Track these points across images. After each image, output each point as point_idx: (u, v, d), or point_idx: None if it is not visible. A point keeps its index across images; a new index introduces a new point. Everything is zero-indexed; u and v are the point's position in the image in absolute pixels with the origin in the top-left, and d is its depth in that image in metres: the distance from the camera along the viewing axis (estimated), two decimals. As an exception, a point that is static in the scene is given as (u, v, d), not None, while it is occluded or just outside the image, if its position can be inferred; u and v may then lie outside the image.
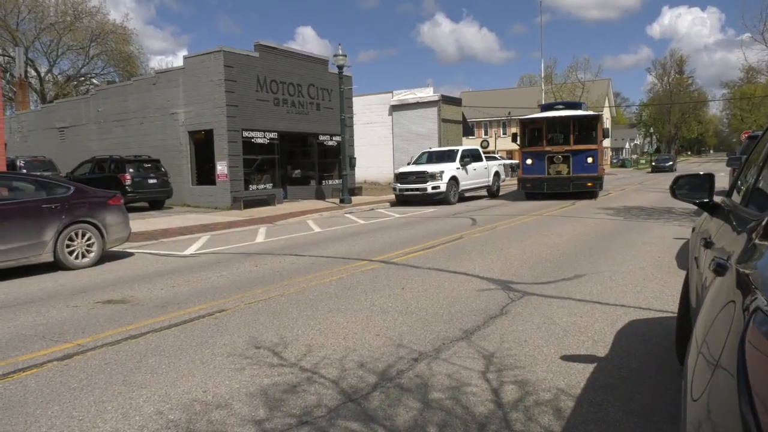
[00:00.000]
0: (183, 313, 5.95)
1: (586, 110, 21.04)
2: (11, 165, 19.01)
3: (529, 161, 20.18)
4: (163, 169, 19.73)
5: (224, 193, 19.60)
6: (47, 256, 8.61)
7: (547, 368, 4.10)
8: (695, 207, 4.25)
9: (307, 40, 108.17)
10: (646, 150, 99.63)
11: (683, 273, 4.22)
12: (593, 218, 13.89)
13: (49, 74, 46.38)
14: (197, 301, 6.51)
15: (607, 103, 67.92)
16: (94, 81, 44.77)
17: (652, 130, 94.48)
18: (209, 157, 20.06)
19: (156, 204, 19.93)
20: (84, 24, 43.89)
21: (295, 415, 3.44)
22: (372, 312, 5.76)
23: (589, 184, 19.31)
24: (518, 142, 20.73)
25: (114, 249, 10.10)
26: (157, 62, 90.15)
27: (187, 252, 10.50)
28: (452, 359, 4.31)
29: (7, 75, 37.90)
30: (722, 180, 24.00)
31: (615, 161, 71.90)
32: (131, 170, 18.66)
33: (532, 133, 20.77)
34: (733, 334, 1.31)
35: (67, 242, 8.81)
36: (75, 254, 8.93)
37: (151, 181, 19.16)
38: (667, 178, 34.36)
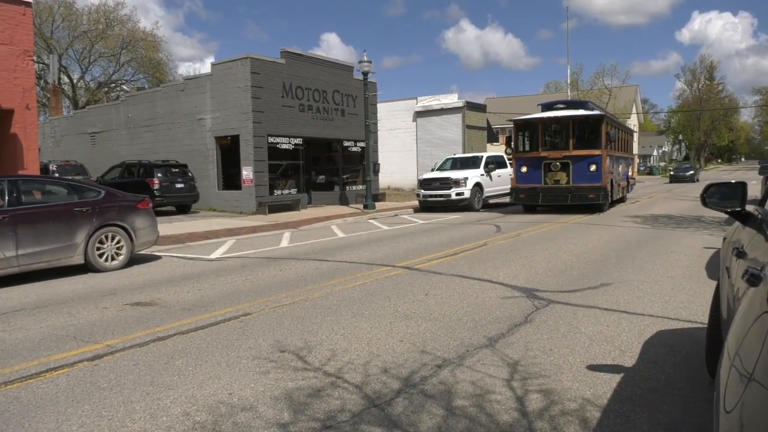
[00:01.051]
0: (209, 316, 6.03)
1: (592, 110, 18.43)
2: (44, 169, 19.52)
3: (523, 169, 18.06)
4: (190, 174, 20.05)
5: (249, 197, 19.82)
6: (78, 259, 8.81)
7: (573, 377, 4.05)
8: (726, 216, 4.17)
9: (332, 47, 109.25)
10: (674, 157, 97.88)
11: (713, 283, 4.14)
12: (620, 226, 13.68)
13: (81, 81, 47.56)
14: (223, 304, 6.60)
15: (634, 110, 66.98)
16: (125, 87, 45.77)
17: (681, 137, 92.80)
18: (235, 162, 20.32)
19: (183, 208, 20.25)
20: (115, 32, 44.95)
21: (319, 420, 3.46)
22: (395, 318, 5.77)
23: (591, 195, 16.82)
24: (512, 147, 18.88)
25: (142, 252, 10.29)
26: (185, 69, 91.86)
27: (213, 256, 10.64)
28: (476, 366, 4.29)
29: (42, 82, 38.94)
30: (754, 189, 23.48)
31: (642, 168, 70.81)
32: (159, 175, 19.01)
33: (527, 136, 18.71)
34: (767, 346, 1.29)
35: (97, 245, 9.00)
36: (105, 257, 9.12)
37: (179, 185, 19.48)
38: (697, 187, 33.71)
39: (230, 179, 21.07)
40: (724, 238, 3.94)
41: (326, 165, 25.19)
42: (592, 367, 4.24)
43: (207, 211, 20.80)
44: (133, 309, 6.49)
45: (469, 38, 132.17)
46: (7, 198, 8.22)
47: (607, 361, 4.37)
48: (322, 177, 24.89)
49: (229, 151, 20.82)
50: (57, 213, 8.65)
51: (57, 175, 19.49)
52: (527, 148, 18.42)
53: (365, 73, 20.72)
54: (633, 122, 68.39)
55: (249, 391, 3.93)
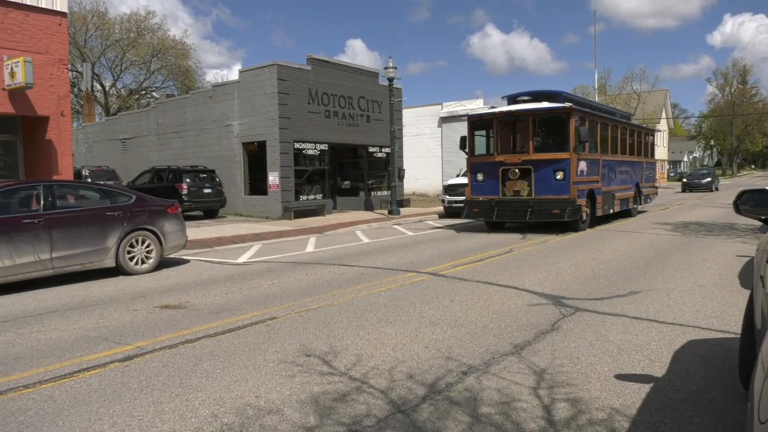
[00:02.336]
0: (236, 320, 6.11)
1: (563, 102, 14.36)
2: (77, 174, 20.01)
3: (479, 176, 14.77)
4: (217, 179, 20.36)
5: (275, 203, 20.02)
6: (110, 262, 9.00)
7: (601, 387, 4.00)
8: (760, 224, 4.09)
9: (357, 53, 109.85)
10: (706, 163, 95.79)
11: (746, 292, 4.05)
12: (649, 233, 13.45)
13: (113, 88, 48.65)
14: (250, 308, 6.67)
15: (664, 115, 65.80)
16: (155, 94, 46.66)
17: (712, 142, 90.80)
18: (262, 167, 20.55)
19: (210, 213, 20.55)
20: (146, 40, 45.92)
21: (345, 424, 3.48)
22: (421, 324, 5.76)
23: (555, 211, 13.31)
24: (466, 150, 15.23)
25: (171, 256, 10.47)
26: (213, 76, 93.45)
27: (240, 260, 10.77)
28: (502, 374, 4.27)
29: (76, 89, 39.97)
30: (789, 195, 22.95)
31: (672, 174, 69.45)
32: (188, 180, 19.34)
33: (482, 136, 15.33)
34: None
35: (128, 248, 9.19)
36: (135, 260, 9.31)
37: (207, 190, 19.79)
38: (729, 194, 32.91)
39: (257, 184, 21.31)
40: (758, 246, 3.85)
41: (351, 170, 25.30)
42: (621, 377, 4.18)
43: (234, 215, 21.07)
44: (162, 311, 6.61)
45: (494, 43, 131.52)
46: (42, 202, 8.46)
47: (636, 371, 4.30)
48: (347, 182, 25.01)
49: (255, 156, 21.07)
50: (90, 217, 8.86)
51: (90, 180, 19.97)
52: (482, 150, 15.13)
53: (390, 79, 20.80)
54: (662, 127, 67.21)
55: (275, 395, 3.97)
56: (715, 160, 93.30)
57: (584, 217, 14.16)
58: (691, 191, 36.57)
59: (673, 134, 79.55)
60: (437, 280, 8.16)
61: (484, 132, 15.23)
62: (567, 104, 13.87)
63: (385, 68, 20.89)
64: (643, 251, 10.52)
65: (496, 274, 8.51)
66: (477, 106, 34.36)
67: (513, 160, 14.19)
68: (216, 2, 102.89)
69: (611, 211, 16.13)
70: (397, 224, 18.12)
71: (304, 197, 21.06)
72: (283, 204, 19.87)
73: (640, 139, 19.83)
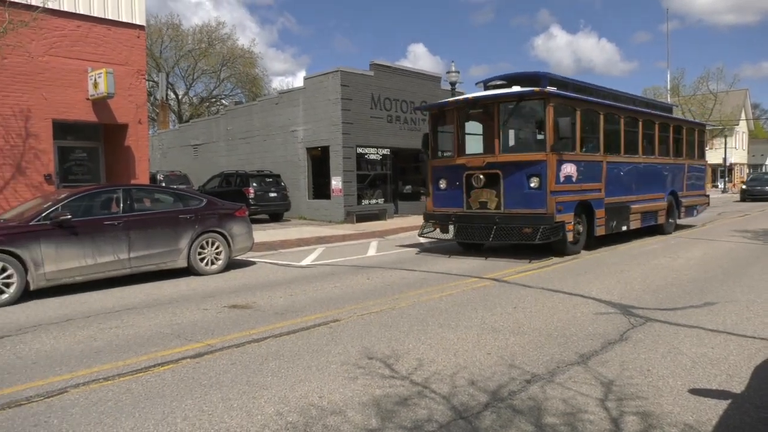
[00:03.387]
0: (300, 321, 6.25)
1: (548, 87, 11.05)
2: (153, 178, 21.06)
3: (441, 183, 11.88)
4: (282, 184, 20.91)
5: (338, 207, 20.33)
6: (182, 262, 9.41)
7: (674, 401, 3.83)
8: None
9: (419, 57, 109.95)
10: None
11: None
12: (726, 241, 12.74)
13: (185, 96, 50.94)
14: (313, 310, 6.81)
15: (743, 116, 62.22)
16: (224, 102, 48.48)
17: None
18: (325, 172, 20.94)
19: (275, 216, 21.12)
20: (216, 50, 47.82)
21: (407, 428, 3.50)
22: (483, 330, 5.70)
23: (526, 230, 10.29)
24: (427, 150, 12.58)
25: (238, 258, 10.82)
26: (278, 83, 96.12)
27: (304, 263, 11.00)
28: (567, 384, 4.16)
29: (151, 98, 42.09)
30: None
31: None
32: (254, 184, 19.98)
33: (447, 132, 12.28)
34: None
35: (198, 250, 9.58)
36: (205, 261, 9.69)
37: (272, 194, 20.37)
38: (818, 199, 30.62)
39: (320, 189, 21.73)
40: None
41: (413, 175, 25.33)
42: (695, 391, 3.98)
43: (297, 219, 21.56)
44: (230, 311, 6.85)
45: (559, 44, 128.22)
46: (121, 205, 8.95)
47: (712, 386, 4.09)
48: (408, 187, 25.05)
49: (319, 161, 21.50)
50: (164, 219, 9.30)
51: (164, 184, 20.96)
52: (448, 150, 12.22)
53: (453, 83, 20.73)
54: (742, 129, 63.55)
55: (338, 396, 4.04)
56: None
57: (573, 238, 10.88)
58: (753, 200, 30.59)
59: (753, 136, 75.01)
60: (500, 286, 8.05)
61: (445, 127, 12.27)
62: (537, 89, 10.53)
63: (448, 72, 20.87)
64: (719, 260, 9.98)
65: (561, 281, 8.30)
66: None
67: (476, 164, 11.09)
68: (282, 11, 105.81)
69: (624, 227, 12.49)
70: (459, 229, 17.96)
71: (366, 201, 21.28)
72: (346, 208, 20.15)
73: (680, 136, 15.59)
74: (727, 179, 56.37)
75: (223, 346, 5.35)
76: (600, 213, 11.63)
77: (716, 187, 58.94)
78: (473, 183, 11.10)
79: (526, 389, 4.08)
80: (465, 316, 6.29)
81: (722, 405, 3.75)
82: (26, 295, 7.73)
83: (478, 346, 5.17)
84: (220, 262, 9.87)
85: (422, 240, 14.72)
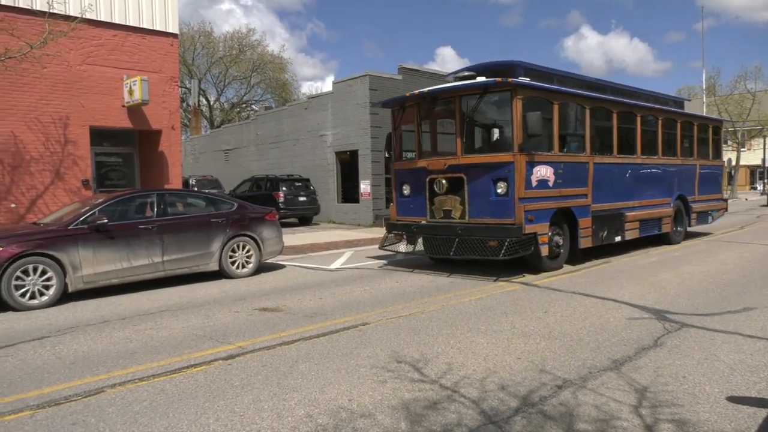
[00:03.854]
0: (329, 324, 6.29)
1: (524, 78, 9.54)
2: (185, 183, 21.47)
3: (405, 189, 10.57)
4: (312, 188, 21.08)
5: (367, 210, 20.40)
6: (214, 265, 9.57)
7: (710, 409, 3.73)
8: None
9: (447, 60, 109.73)
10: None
11: None
12: (765, 245, 12.36)
13: (216, 102, 51.83)
14: (342, 313, 6.85)
15: (784, 116, 60.20)
16: (254, 107, 49.20)
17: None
18: (354, 176, 21.05)
19: (305, 220, 21.31)
20: (247, 56, 48.58)
21: (436, 432, 3.49)
22: (513, 334, 5.65)
23: (492, 243, 8.89)
24: (389, 151, 11.36)
25: (268, 261, 10.95)
26: (307, 87, 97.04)
27: (333, 266, 11.07)
28: (600, 389, 4.09)
29: (184, 104, 42.95)
30: None
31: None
32: (284, 188, 20.20)
33: (407, 130, 10.92)
34: None
35: (230, 253, 9.73)
36: (236, 264, 9.83)
37: (302, 198, 20.55)
38: None
39: (349, 192, 21.84)
40: None
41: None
42: (734, 399, 3.87)
43: (327, 222, 21.70)
44: (261, 314, 6.94)
45: (590, 45, 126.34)
46: (155, 209, 9.15)
47: (751, 393, 3.97)
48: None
49: (348, 165, 21.62)
50: (197, 223, 9.47)
51: (196, 188, 21.34)
52: (411, 152, 10.79)
53: (482, 86, 20.60)
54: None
55: (367, 399, 4.05)
56: None
57: (549, 252, 9.34)
58: None
59: (795, 137, 72.47)
60: (530, 290, 7.96)
61: (407, 125, 10.83)
62: (503, 79, 8.93)
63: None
64: (758, 264, 9.69)
65: (593, 285, 8.17)
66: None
67: (438, 167, 9.67)
68: (311, 17, 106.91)
69: (618, 238, 11.00)
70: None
71: (395, 205, 21.35)
72: (374, 211, 20.19)
73: (690, 134, 13.86)
74: (766, 181, 54.66)
75: (254, 348, 5.42)
76: (585, 222, 10.09)
77: (755, 189, 57.18)
78: (435, 189, 9.68)
79: (557, 395, 4.03)
80: (494, 320, 6.24)
81: (761, 413, 3.64)
82: (64, 297, 7.96)
83: (508, 350, 5.13)
84: (250, 266, 10.00)
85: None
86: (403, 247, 10.57)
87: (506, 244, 8.73)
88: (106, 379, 4.65)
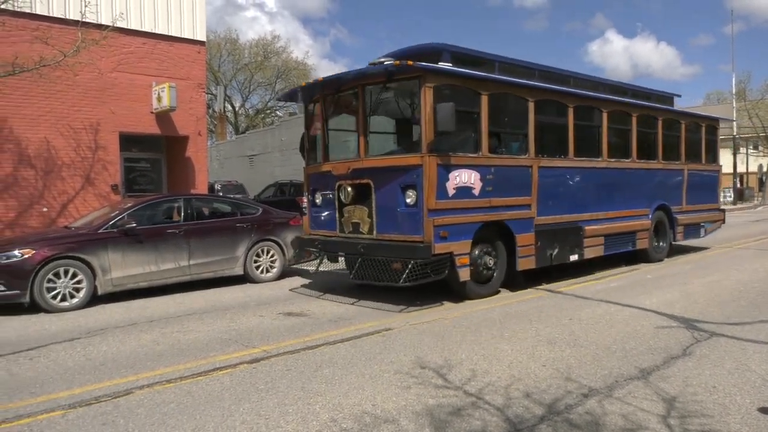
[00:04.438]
0: (353, 329, 6.31)
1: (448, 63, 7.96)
2: (211, 188, 21.77)
3: (317, 197, 8.86)
4: (335, 193, 21.16)
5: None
6: (239, 270, 9.68)
7: (742, 420, 3.65)
8: None
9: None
10: None
11: None
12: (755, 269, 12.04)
13: (242, 108, 52.50)
14: (366, 318, 6.86)
15: (818, 121, 58.61)
16: (278, 113, 49.68)
17: None
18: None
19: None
20: (272, 62, 49.15)
21: (460, 438, 3.47)
22: (537, 341, 5.60)
23: (396, 265, 7.44)
24: (304, 153, 9.36)
25: (293, 266, 11.01)
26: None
27: (356, 271, 11.07)
28: (627, 399, 4.03)
29: (210, 110, 43.62)
30: None
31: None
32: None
33: (316, 128, 9.04)
34: None
35: (254, 258, 9.83)
36: (260, 269, 9.92)
37: (325, 203, 20.63)
38: None
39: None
40: None
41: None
42: (766, 410, 3.79)
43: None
44: (285, 318, 6.99)
45: (615, 49, 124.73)
46: (182, 214, 9.31)
47: (784, 405, 3.87)
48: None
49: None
50: (222, 228, 9.60)
51: (221, 193, 21.62)
52: (317, 154, 9.00)
53: (506, 92, 20.48)
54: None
55: (391, 404, 4.06)
56: None
57: (471, 276, 7.65)
58: None
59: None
60: (554, 297, 7.88)
61: (316, 122, 8.95)
62: (411, 62, 7.11)
63: (500, 80, 20.63)
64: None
65: (620, 293, 8.05)
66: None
67: (341, 171, 8.03)
68: (334, 23, 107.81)
69: (574, 257, 9.19)
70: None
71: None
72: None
73: (676, 134, 11.92)
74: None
75: (279, 352, 5.47)
76: (525, 238, 8.29)
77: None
78: (341, 197, 8.06)
79: (583, 403, 3.98)
80: (519, 327, 6.19)
81: (796, 426, 3.55)
82: (94, 299, 8.13)
83: (532, 357, 5.09)
84: (275, 270, 10.08)
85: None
86: (320, 265, 9.09)
87: (409, 267, 7.13)
88: (134, 380, 4.74)
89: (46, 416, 4.01)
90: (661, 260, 11.32)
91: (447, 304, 7.63)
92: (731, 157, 36.77)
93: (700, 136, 12.74)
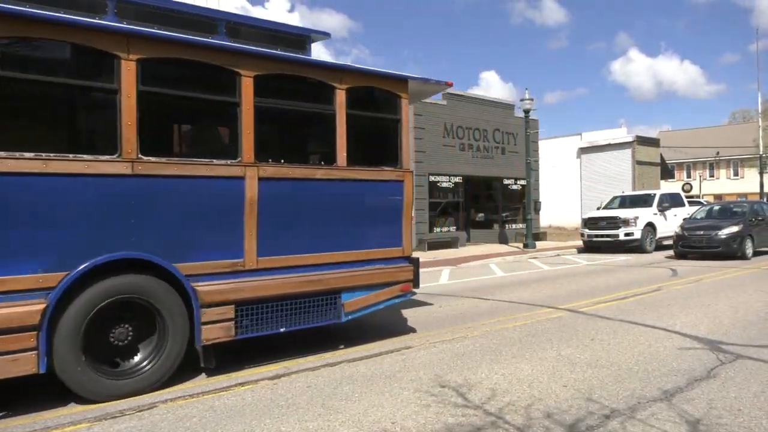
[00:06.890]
0: (373, 347, 6.33)
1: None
2: None
3: None
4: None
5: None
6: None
7: (768, 444, 3.58)
8: None
9: (491, 84, 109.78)
10: None
11: None
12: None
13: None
14: (384, 334, 6.88)
15: None
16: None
17: None
18: (396, 200, 20.95)
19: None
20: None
21: (480, 458, 3.46)
22: (558, 362, 5.56)
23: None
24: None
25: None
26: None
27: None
28: (650, 420, 3.99)
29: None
30: None
31: None
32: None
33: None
34: None
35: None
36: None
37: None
38: None
39: (391, 216, 21.74)
40: None
41: (486, 203, 25.11)
42: (793, 435, 3.71)
43: (370, 246, 21.80)
44: (305, 334, 7.03)
45: (639, 68, 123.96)
46: None
47: (812, 430, 3.79)
48: (481, 215, 24.86)
49: (390, 189, 21.54)
50: None
51: None
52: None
53: (527, 111, 20.54)
54: None
55: (411, 423, 4.06)
56: None
57: None
58: (684, 256, 15.94)
59: None
60: (576, 317, 7.81)
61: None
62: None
63: (521, 99, 20.73)
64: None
65: (642, 313, 7.95)
66: (620, 135, 32.69)
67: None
68: (356, 43, 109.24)
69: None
70: (533, 258, 17.61)
71: (438, 229, 21.26)
72: (418, 236, 20.20)
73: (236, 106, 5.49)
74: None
75: (299, 369, 5.51)
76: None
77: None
78: None
79: (605, 424, 3.94)
80: (539, 347, 6.15)
81: (825, 451, 3.47)
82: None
83: (553, 377, 5.05)
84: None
85: (494, 269, 14.53)
86: None
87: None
88: (158, 394, 4.82)
89: (73, 428, 4.10)
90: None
91: (467, 324, 7.62)
92: (758, 176, 36.21)
93: (335, 109, 6.24)
